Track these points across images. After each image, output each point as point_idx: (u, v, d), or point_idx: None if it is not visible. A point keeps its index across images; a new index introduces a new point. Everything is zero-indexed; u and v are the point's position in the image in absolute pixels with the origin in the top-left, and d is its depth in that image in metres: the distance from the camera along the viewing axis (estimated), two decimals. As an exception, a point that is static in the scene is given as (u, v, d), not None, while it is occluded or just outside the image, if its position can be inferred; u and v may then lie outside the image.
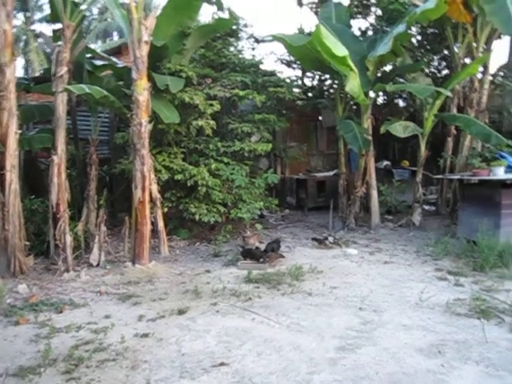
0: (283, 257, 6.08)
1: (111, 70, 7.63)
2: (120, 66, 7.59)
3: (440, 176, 7.73)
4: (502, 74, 10.37)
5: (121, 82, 7.08)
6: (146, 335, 3.85)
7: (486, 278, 5.19)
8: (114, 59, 8.06)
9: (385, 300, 4.64)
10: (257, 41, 8.85)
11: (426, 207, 9.42)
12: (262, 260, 5.85)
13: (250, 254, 5.94)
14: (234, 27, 8.37)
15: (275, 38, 7.30)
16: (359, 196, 8.00)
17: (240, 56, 8.60)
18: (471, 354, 3.46)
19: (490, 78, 9.28)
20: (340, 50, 6.46)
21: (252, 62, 8.30)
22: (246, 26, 8.58)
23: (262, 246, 6.30)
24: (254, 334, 3.88)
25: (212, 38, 7.94)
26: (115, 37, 24.07)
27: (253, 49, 8.91)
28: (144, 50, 5.66)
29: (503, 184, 6.40)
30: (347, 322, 4.09)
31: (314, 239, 7.11)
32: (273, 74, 8.82)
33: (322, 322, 4.12)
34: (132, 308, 4.56)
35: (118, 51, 10.47)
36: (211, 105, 6.89)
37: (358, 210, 8.17)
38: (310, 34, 7.92)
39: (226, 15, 7.82)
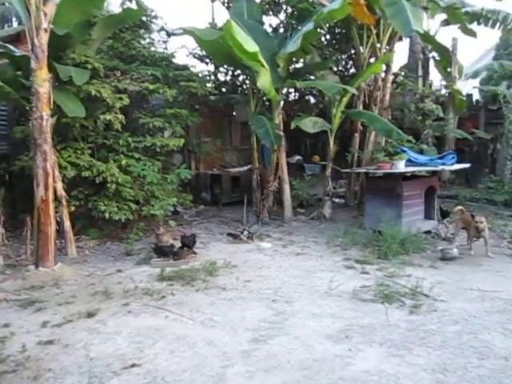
0: (195, 253, 6.03)
1: (8, 58, 7.01)
2: (18, 54, 7.00)
3: (348, 170, 8.13)
4: (403, 73, 11.14)
5: (19, 72, 6.55)
6: (50, 342, 3.62)
7: (390, 265, 5.53)
8: (12, 47, 7.42)
9: (296, 290, 4.78)
10: (168, 34, 8.65)
11: (336, 200, 9.84)
12: (175, 257, 5.75)
13: (161, 252, 5.81)
14: (144, 18, 8.11)
15: (185, 31, 7.19)
16: (272, 190, 8.16)
17: (152, 49, 8.37)
18: (375, 337, 3.67)
19: (393, 77, 9.92)
20: (251, 45, 6.51)
21: (163, 56, 8.11)
22: (156, 17, 8.36)
23: (177, 243, 6.20)
24: (167, 332, 3.80)
25: (120, 29, 7.63)
26: (14, 23, 22.26)
27: (164, 42, 8.70)
28: (43, 38, 5.28)
29: (404, 176, 6.88)
30: (260, 315, 4.15)
31: (229, 234, 7.14)
32: (185, 68, 8.69)
33: (235, 315, 4.14)
34: (35, 314, 4.25)
35: (17, 39, 9.62)
36: (120, 98, 6.61)
37: (272, 204, 8.34)
38: (221, 28, 7.90)
39: (134, 5, 7.54)
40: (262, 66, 6.82)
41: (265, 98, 8.79)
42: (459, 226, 6.45)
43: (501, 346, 3.50)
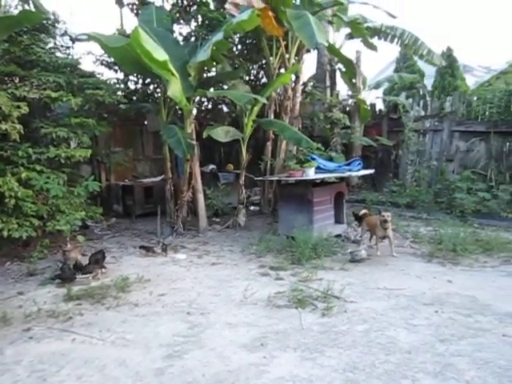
0: (105, 267, 5.74)
1: None
2: None
3: (260, 178, 8.25)
4: (312, 83, 11.59)
5: None
6: None
7: (303, 270, 5.65)
8: None
9: (212, 301, 4.73)
10: (72, 39, 8.23)
11: (252, 208, 9.96)
12: (83, 274, 5.44)
13: (62, 273, 5.43)
14: (45, 22, 7.64)
15: (90, 37, 6.87)
16: (186, 200, 8.04)
17: (57, 54, 7.89)
18: (290, 342, 3.72)
19: (302, 87, 10.26)
20: (160, 54, 6.38)
21: (67, 62, 7.67)
22: (57, 21, 7.91)
23: (86, 259, 5.88)
24: (74, 356, 3.56)
25: (18, 32, 7.11)
26: None
27: (67, 47, 8.24)
28: None
29: (314, 183, 7.12)
30: (175, 329, 4.04)
31: (142, 247, 6.90)
32: (92, 75, 8.31)
33: (148, 332, 3.99)
34: None
35: None
36: (18, 107, 6.13)
37: (186, 215, 8.21)
38: (130, 36, 7.67)
39: (32, 7, 7.07)
40: (172, 74, 6.72)
41: (177, 107, 8.67)
42: (365, 228, 6.81)
43: (405, 340, 3.72)
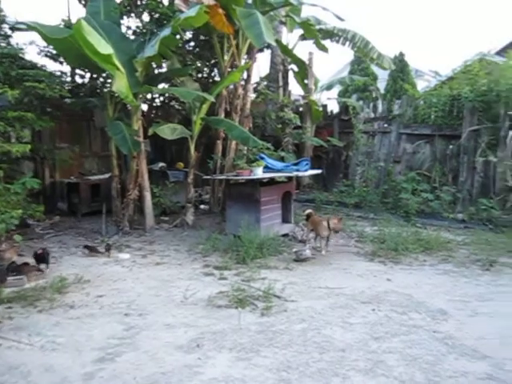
0: (41, 270, 5.50)
1: None
2: None
3: (209, 177, 8.17)
4: (264, 83, 11.62)
5: None
6: None
7: (247, 270, 5.65)
8: None
9: (152, 302, 4.63)
10: (12, 28, 7.83)
11: (202, 206, 9.86)
12: (15, 275, 5.19)
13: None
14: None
15: (29, 26, 6.58)
16: (132, 199, 7.85)
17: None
18: (226, 343, 3.69)
19: (254, 86, 10.26)
20: (104, 47, 6.21)
21: (4, 52, 7.30)
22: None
23: (24, 259, 5.64)
24: (-3, 363, 3.39)
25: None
26: None
27: (7, 37, 7.83)
28: None
29: (262, 182, 7.12)
30: (110, 331, 3.92)
31: (86, 247, 6.68)
32: (34, 67, 7.96)
33: (81, 335, 3.85)
34: None
35: None
36: (-51, 98, 5.80)
37: (133, 213, 8.02)
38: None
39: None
40: (118, 69, 6.55)
41: (125, 103, 8.45)
42: (309, 227, 6.90)
43: (340, 338, 3.77)
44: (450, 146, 9.67)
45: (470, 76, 9.69)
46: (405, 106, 10.71)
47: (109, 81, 8.55)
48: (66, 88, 8.39)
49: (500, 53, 12.28)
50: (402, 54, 15.13)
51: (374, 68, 15.13)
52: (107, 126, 7.80)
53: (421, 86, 17.11)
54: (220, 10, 7.21)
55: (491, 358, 3.43)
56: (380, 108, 11.41)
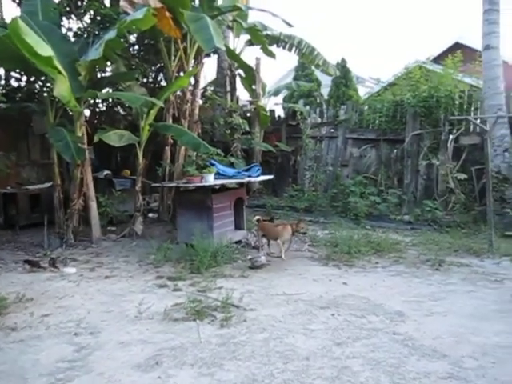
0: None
1: None
2: None
3: (158, 184, 7.91)
4: (212, 88, 11.49)
5: None
6: None
7: (202, 279, 5.48)
8: None
9: (103, 319, 4.36)
10: None
11: (150, 215, 9.54)
12: None
13: None
14: None
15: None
16: (77, 209, 7.45)
17: None
18: (186, 358, 3.52)
19: (202, 91, 10.10)
20: (44, 49, 5.84)
21: None
22: None
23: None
24: None
25: None
26: None
27: None
28: None
29: (213, 189, 6.98)
30: (59, 354, 3.63)
31: (26, 261, 6.24)
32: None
33: (27, 360, 3.53)
34: None
35: None
36: None
37: (78, 224, 7.59)
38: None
39: None
40: (59, 72, 6.19)
41: (67, 108, 8.03)
42: (260, 233, 6.86)
43: (303, 346, 3.71)
44: (395, 150, 9.99)
45: (412, 82, 10.08)
46: (350, 111, 10.97)
47: (48, 85, 8.09)
48: (0, 92, 7.85)
49: (437, 60, 12.88)
50: (344, 61, 15.51)
51: (318, 74, 15.43)
52: (48, 132, 7.36)
53: (362, 92, 17.64)
54: (167, 13, 7.02)
55: (450, 357, 3.49)
56: (326, 113, 11.61)
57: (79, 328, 4.15)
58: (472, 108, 9.52)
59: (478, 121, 7.80)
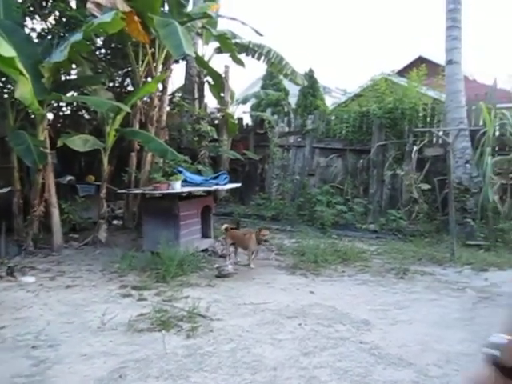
0: None
1: None
2: None
3: (123, 191, 7.72)
4: (180, 94, 11.38)
5: None
6: None
7: (168, 288, 5.36)
8: None
9: (64, 330, 4.18)
10: None
11: (115, 222, 9.31)
12: None
13: None
14: None
15: None
16: (38, 215, 7.17)
17: None
18: (151, 371, 3.42)
19: (170, 97, 9.98)
20: (6, 49, 5.61)
21: None
22: None
23: None
24: None
25: None
26: None
27: None
28: None
29: (180, 197, 6.88)
30: (16, 368, 3.44)
31: (-19, 270, 5.96)
32: None
33: (-20, 375, 3.35)
34: None
35: None
36: None
37: (38, 231, 7.32)
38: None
39: None
40: (21, 74, 5.97)
41: (29, 111, 7.76)
42: (228, 242, 6.81)
43: (270, 357, 3.67)
44: (361, 160, 10.16)
45: (378, 94, 10.30)
46: (317, 121, 11.09)
47: (9, 86, 7.80)
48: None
49: (401, 72, 13.24)
50: (311, 71, 15.73)
51: (286, 83, 15.57)
52: (8, 135, 7.08)
53: (329, 102, 17.93)
54: (136, 18, 6.92)
55: (415, 365, 3.54)
56: (294, 122, 11.71)
57: (38, 340, 3.96)
58: (435, 120, 9.79)
59: (441, 133, 8.04)
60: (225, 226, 6.97)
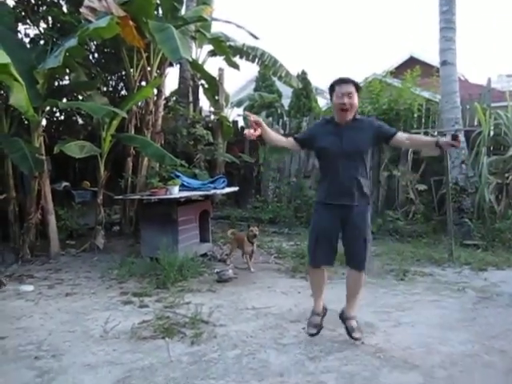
0: None
1: None
2: None
3: (120, 197, 7.66)
4: (174, 98, 11.34)
5: None
6: None
7: (169, 294, 5.33)
8: None
9: (66, 340, 4.13)
10: None
11: (112, 228, 9.25)
12: None
13: None
14: None
15: None
16: (34, 223, 7.10)
17: None
18: (157, 379, 3.38)
19: (165, 101, 9.94)
20: (1, 56, 5.58)
21: None
22: None
23: None
24: None
25: None
26: None
27: None
28: None
29: (178, 202, 6.84)
30: (19, 380, 3.40)
31: (-22, 280, 5.88)
32: None
33: (-17, 388, 3.30)
34: None
35: None
36: None
37: (35, 239, 7.24)
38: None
39: None
40: (16, 80, 5.92)
41: (23, 118, 7.69)
42: (234, 245, 6.80)
43: (276, 362, 3.65)
44: (356, 161, 10.15)
45: (372, 95, 10.32)
46: (312, 122, 11.09)
47: (2, 92, 7.74)
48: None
49: (393, 73, 13.27)
50: (304, 73, 15.76)
51: (278, 85, 15.58)
52: (2, 142, 7.00)
53: (321, 103, 17.97)
54: (131, 22, 6.88)
55: (420, 368, 3.53)
56: (289, 124, 11.71)
57: (40, 351, 3.91)
58: (430, 121, 9.84)
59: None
60: (230, 230, 6.99)
